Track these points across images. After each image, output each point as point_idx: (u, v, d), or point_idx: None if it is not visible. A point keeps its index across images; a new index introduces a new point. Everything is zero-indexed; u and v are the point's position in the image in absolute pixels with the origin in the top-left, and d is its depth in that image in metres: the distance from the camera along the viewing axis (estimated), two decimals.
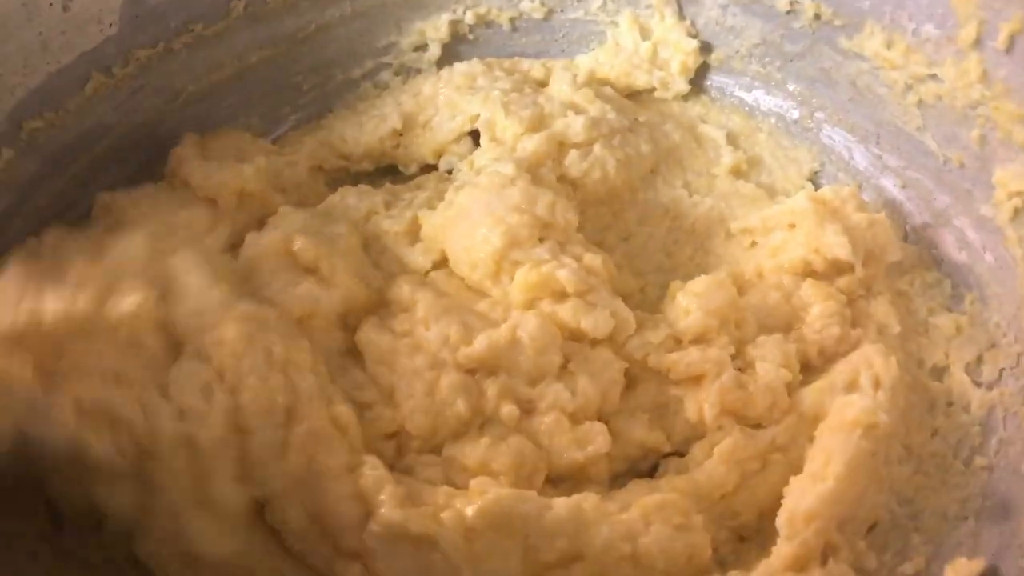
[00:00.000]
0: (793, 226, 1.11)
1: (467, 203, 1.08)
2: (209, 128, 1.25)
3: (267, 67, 1.30)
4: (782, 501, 0.91)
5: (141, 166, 1.20)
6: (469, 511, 0.87)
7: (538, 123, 1.18)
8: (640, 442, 1.00)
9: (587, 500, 0.90)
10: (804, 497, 0.89)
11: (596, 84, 1.29)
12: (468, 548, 0.87)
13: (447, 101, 1.26)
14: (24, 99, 1.05)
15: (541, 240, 1.05)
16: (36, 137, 1.08)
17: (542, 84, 1.30)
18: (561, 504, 0.89)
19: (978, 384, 1.03)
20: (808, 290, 1.07)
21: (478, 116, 1.22)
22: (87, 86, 1.12)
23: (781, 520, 0.89)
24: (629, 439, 1.00)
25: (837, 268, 1.08)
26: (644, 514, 0.91)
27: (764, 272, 1.10)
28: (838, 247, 1.04)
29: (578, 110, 1.21)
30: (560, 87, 1.27)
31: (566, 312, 1.00)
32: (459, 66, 1.30)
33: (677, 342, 1.03)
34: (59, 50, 1.08)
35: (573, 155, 1.17)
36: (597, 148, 1.18)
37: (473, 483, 0.91)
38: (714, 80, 1.34)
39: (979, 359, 1.05)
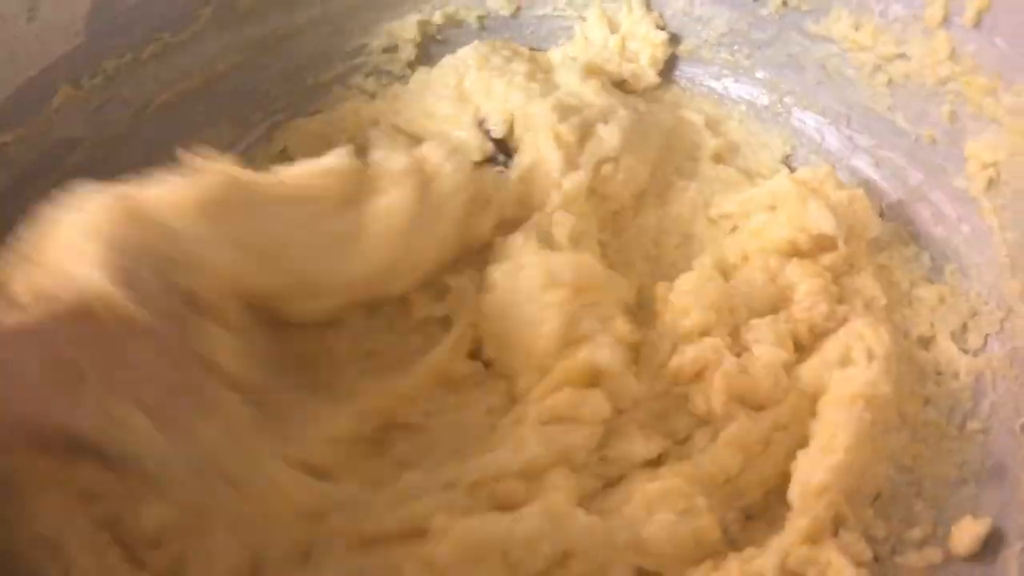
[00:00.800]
0: (774, 208, 1.13)
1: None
2: (180, 138, 1.23)
3: (236, 74, 1.28)
4: (792, 476, 0.92)
5: (112, 179, 1.17)
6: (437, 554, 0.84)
7: (585, 131, 1.16)
8: (641, 454, 0.98)
9: (555, 494, 0.89)
10: (815, 471, 0.90)
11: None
12: None
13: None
14: None
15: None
16: (6, 152, 1.05)
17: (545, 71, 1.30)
18: (530, 512, 0.87)
19: (965, 351, 1.05)
20: (793, 269, 1.09)
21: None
22: (55, 99, 1.09)
23: (793, 494, 0.91)
24: (627, 454, 0.98)
25: (821, 246, 1.10)
26: (647, 503, 0.90)
27: (749, 255, 1.12)
28: (823, 221, 1.06)
29: (595, 107, 1.20)
30: (567, 77, 1.26)
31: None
32: (465, 51, 1.29)
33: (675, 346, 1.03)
34: (26, 62, 1.05)
35: (607, 169, 1.16)
36: (626, 157, 1.16)
37: (435, 523, 0.87)
38: (684, 71, 1.35)
39: (964, 327, 1.07)
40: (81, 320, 0.77)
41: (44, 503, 0.82)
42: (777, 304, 1.08)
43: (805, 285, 1.07)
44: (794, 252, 1.10)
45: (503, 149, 1.22)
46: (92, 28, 1.10)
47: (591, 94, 1.23)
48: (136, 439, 0.77)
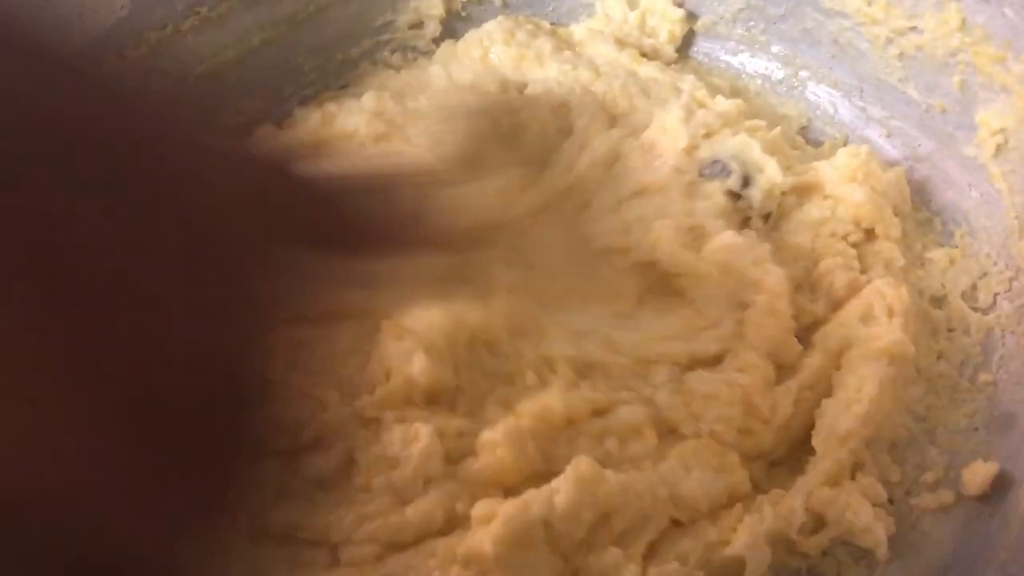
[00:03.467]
0: (827, 196, 1.15)
1: None
2: (216, 109, 1.27)
3: (268, 48, 1.32)
4: (817, 423, 0.97)
5: None
6: (487, 547, 0.85)
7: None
8: None
9: (581, 463, 0.90)
10: (840, 419, 0.95)
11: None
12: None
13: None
14: None
15: None
16: None
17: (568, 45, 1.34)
18: (563, 482, 0.89)
19: (975, 309, 1.10)
20: (819, 247, 1.13)
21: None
22: (101, 68, 1.13)
23: (818, 440, 0.96)
24: None
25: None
26: (683, 461, 0.94)
27: (810, 244, 1.14)
28: (871, 214, 1.11)
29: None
30: (601, 48, 1.31)
31: None
32: (489, 25, 1.34)
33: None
34: (76, 32, 1.10)
35: None
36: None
37: (475, 512, 0.89)
38: (701, 46, 1.40)
39: (974, 287, 1.12)
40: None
41: None
42: (801, 280, 1.12)
43: (827, 260, 1.11)
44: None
45: None
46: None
47: (630, 62, 1.28)
48: None
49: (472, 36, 1.36)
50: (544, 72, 1.29)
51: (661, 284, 1.06)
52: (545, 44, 1.32)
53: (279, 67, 1.34)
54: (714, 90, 1.30)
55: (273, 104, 1.34)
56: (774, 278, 1.03)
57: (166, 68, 1.21)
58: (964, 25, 1.12)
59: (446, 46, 1.38)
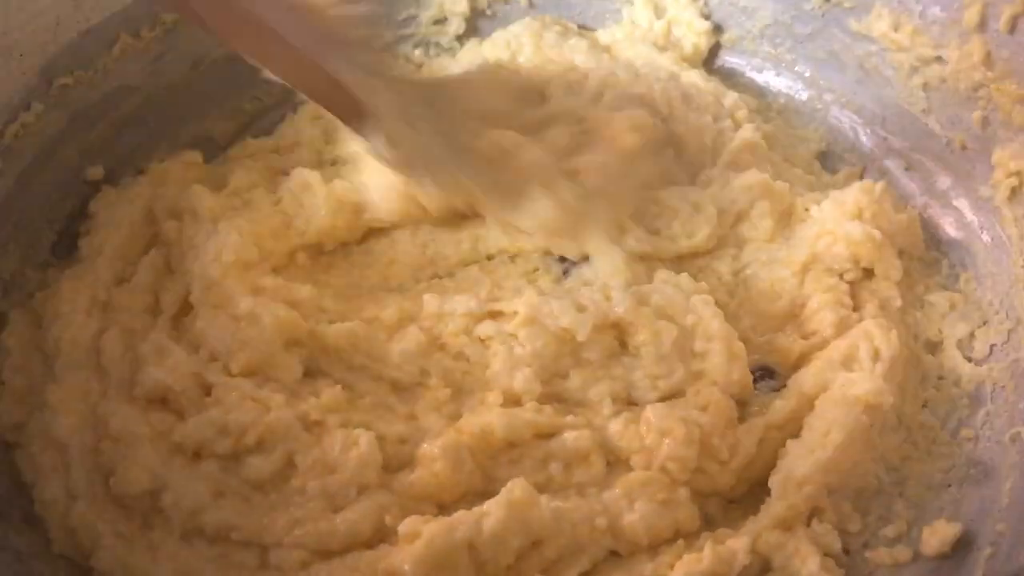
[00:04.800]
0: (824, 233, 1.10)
1: None
2: (232, 93, 1.30)
3: None
4: (778, 463, 0.94)
5: (163, 129, 1.25)
6: (406, 567, 0.84)
7: None
8: None
9: (517, 486, 0.88)
10: (801, 462, 0.92)
11: None
12: None
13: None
14: (55, 56, 1.10)
15: None
16: (65, 93, 1.13)
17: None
18: (494, 505, 0.87)
19: (969, 359, 1.05)
20: (809, 284, 1.08)
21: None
22: (115, 47, 1.17)
23: (775, 481, 0.93)
24: None
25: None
26: (627, 491, 0.92)
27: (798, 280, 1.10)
28: (876, 256, 1.07)
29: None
30: (638, 50, 1.28)
31: None
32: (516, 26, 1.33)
33: None
34: (90, 10, 1.13)
35: None
36: None
37: (401, 528, 0.87)
38: (726, 60, 1.36)
39: (971, 335, 1.06)
40: None
41: None
42: (785, 319, 1.08)
43: (817, 297, 1.07)
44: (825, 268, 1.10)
45: None
46: None
47: (670, 64, 1.26)
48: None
49: (499, 36, 1.34)
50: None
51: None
52: (579, 44, 1.30)
53: None
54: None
55: (289, 91, 1.35)
56: (718, 323, 1.00)
57: (181, 50, 1.23)
58: (988, 58, 1.07)
59: (471, 46, 1.37)
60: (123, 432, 0.93)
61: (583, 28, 1.38)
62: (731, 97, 1.23)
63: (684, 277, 1.05)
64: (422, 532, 0.85)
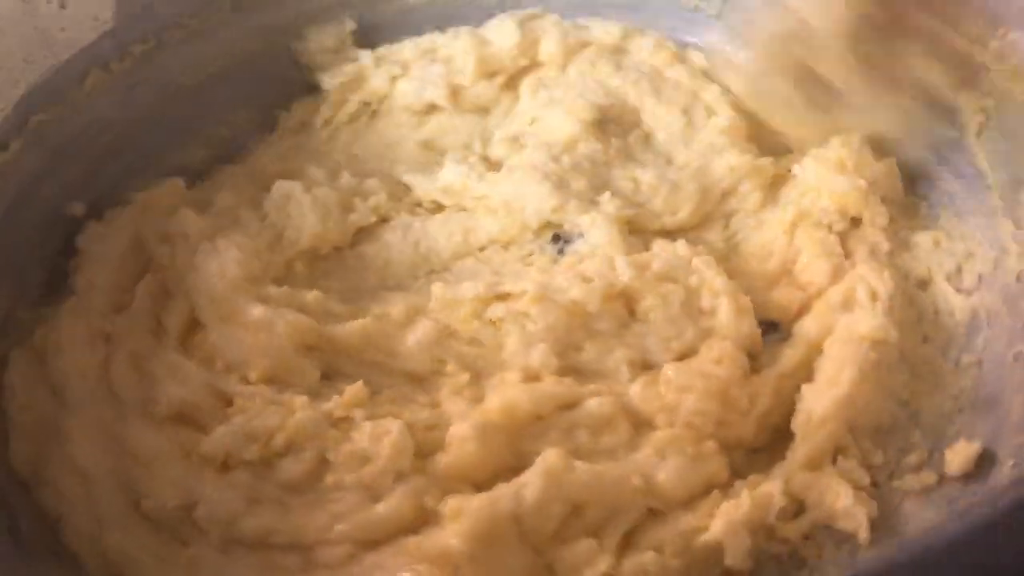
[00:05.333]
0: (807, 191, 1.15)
1: None
2: (205, 120, 1.30)
3: (255, 59, 1.34)
4: (797, 407, 0.96)
5: (141, 161, 1.25)
6: (455, 542, 0.85)
7: None
8: None
9: (551, 454, 0.90)
10: (819, 402, 0.94)
11: None
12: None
13: None
14: (28, 92, 1.10)
15: None
16: (42, 130, 1.12)
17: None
18: (532, 475, 0.88)
19: (960, 291, 1.08)
20: (799, 239, 1.12)
21: None
22: (87, 81, 1.16)
23: (797, 423, 0.95)
24: None
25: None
26: (657, 449, 0.94)
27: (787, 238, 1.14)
28: (862, 204, 1.11)
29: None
30: (646, 54, 1.30)
31: None
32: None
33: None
34: (59, 45, 1.12)
35: None
36: None
37: (444, 508, 0.88)
38: None
39: (959, 269, 1.10)
40: None
41: None
42: (779, 274, 1.12)
43: (808, 251, 1.11)
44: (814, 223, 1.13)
45: None
46: (121, 13, 1.17)
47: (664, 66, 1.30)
48: None
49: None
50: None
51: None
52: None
53: (265, 78, 1.36)
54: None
55: (260, 113, 1.36)
56: (721, 280, 1.03)
57: (152, 80, 1.23)
58: None
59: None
60: (147, 452, 0.92)
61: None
62: (713, 90, 1.26)
63: (680, 243, 1.08)
64: (465, 509, 0.86)
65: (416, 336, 1.00)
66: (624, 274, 1.01)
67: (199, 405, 0.95)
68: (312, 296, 1.05)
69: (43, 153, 1.13)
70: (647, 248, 1.09)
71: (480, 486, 0.91)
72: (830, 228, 1.13)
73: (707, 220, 1.15)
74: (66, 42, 1.13)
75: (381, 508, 0.89)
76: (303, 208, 1.15)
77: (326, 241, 1.14)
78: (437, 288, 1.03)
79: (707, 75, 1.29)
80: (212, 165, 1.30)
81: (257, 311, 0.99)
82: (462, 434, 0.91)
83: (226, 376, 0.99)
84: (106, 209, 1.18)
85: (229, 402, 0.97)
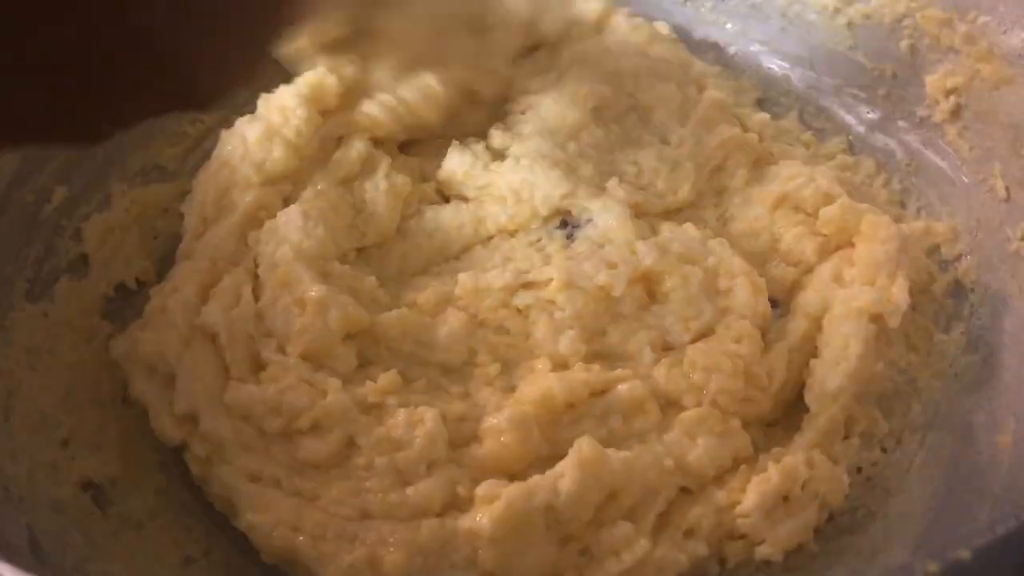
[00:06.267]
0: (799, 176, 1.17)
1: None
2: (171, 119, 1.26)
3: None
4: (807, 382, 1.00)
5: (112, 160, 1.20)
6: (486, 523, 0.86)
7: None
8: None
9: (584, 444, 0.90)
10: (830, 377, 0.98)
11: None
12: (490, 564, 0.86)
13: None
14: None
15: None
16: None
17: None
18: (567, 466, 0.89)
19: (941, 263, 1.14)
20: (780, 220, 1.15)
21: None
22: None
23: (810, 398, 0.99)
24: None
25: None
26: (687, 429, 0.96)
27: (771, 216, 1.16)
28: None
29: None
30: (625, 30, 1.29)
31: None
32: None
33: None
34: None
35: None
36: None
37: (479, 491, 0.89)
38: None
39: (937, 245, 1.16)
40: None
41: None
42: (766, 255, 1.15)
43: (792, 231, 1.14)
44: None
45: None
46: None
47: (644, 41, 1.29)
48: None
49: None
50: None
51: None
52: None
53: None
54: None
55: (230, 111, 1.30)
56: (738, 260, 1.06)
57: None
58: None
59: None
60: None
61: None
62: (697, 65, 1.28)
63: (689, 226, 1.10)
64: (500, 495, 0.87)
65: (447, 328, 1.00)
66: (648, 257, 1.02)
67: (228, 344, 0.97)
68: (371, 282, 1.04)
69: (15, 158, 1.07)
70: (653, 229, 1.11)
71: (514, 476, 0.92)
72: (808, 214, 1.17)
73: (700, 198, 1.18)
74: None
75: (412, 492, 0.89)
76: (379, 195, 1.13)
77: (390, 230, 1.13)
78: (464, 277, 1.03)
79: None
80: (183, 163, 1.26)
81: (315, 292, 0.98)
82: (499, 427, 0.91)
83: (265, 340, 0.98)
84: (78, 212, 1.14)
85: (263, 366, 0.96)
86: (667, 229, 1.10)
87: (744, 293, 1.04)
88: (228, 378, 0.97)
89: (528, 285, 1.02)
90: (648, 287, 1.04)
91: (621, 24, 1.30)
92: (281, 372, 0.95)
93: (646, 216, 1.13)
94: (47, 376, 1.01)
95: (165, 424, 0.96)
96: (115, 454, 0.99)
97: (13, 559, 0.75)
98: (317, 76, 1.12)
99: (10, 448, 0.93)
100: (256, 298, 1.01)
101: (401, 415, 0.92)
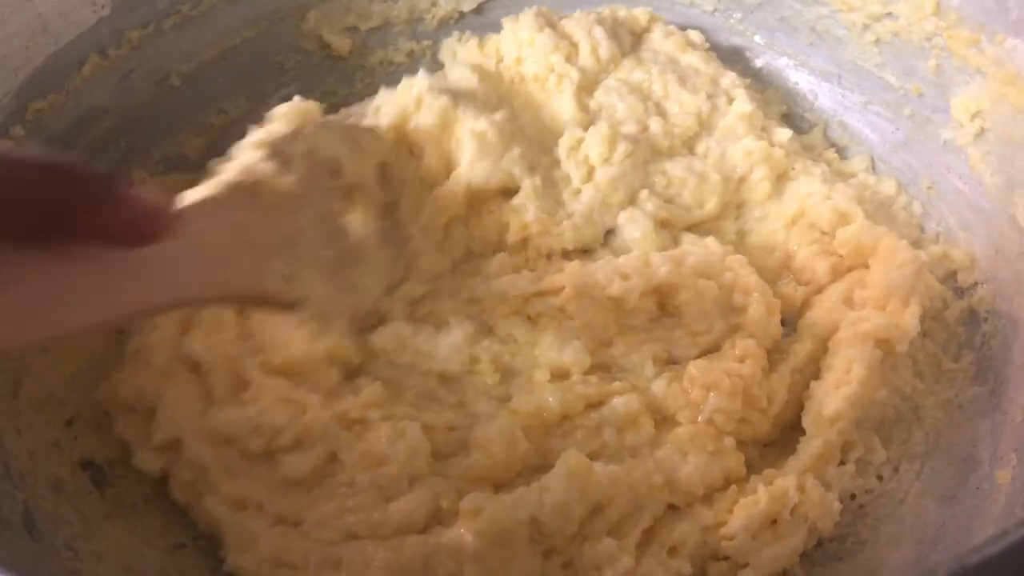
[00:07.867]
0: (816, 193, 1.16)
1: None
2: (201, 107, 1.28)
3: (250, 46, 1.32)
4: (806, 405, 0.99)
5: (135, 149, 1.22)
6: (469, 538, 0.86)
7: None
8: None
9: (571, 457, 0.90)
10: (830, 400, 0.97)
11: None
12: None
13: None
14: (28, 80, 1.06)
15: None
16: (41, 118, 1.09)
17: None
18: (553, 479, 0.89)
19: (957, 289, 1.12)
20: (795, 237, 1.15)
21: None
22: (84, 68, 1.13)
23: (808, 420, 0.98)
24: None
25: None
26: (678, 446, 0.95)
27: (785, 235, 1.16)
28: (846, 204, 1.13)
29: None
30: (662, 41, 1.29)
31: None
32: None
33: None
34: (57, 31, 1.09)
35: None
36: None
37: (464, 504, 0.89)
38: None
39: (954, 270, 1.13)
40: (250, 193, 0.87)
41: None
42: (778, 272, 1.14)
43: (805, 248, 1.13)
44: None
45: None
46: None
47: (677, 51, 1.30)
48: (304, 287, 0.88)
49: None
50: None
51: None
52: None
53: (261, 65, 1.34)
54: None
55: (255, 103, 1.33)
56: (755, 278, 1.05)
57: (148, 67, 1.21)
58: (938, 9, 1.14)
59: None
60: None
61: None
62: (729, 76, 1.27)
63: (711, 240, 1.09)
64: (484, 508, 0.86)
65: (451, 337, 1.00)
66: (662, 269, 1.02)
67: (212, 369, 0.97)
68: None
69: (42, 141, 1.10)
70: (675, 241, 1.11)
71: (501, 486, 0.92)
72: (823, 232, 1.15)
73: (723, 210, 1.17)
74: (65, 28, 1.10)
75: (394, 508, 0.89)
76: None
77: None
78: (479, 284, 1.03)
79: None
80: (207, 154, 1.28)
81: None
82: (487, 437, 0.92)
83: (251, 358, 0.98)
84: None
85: (245, 387, 0.97)
86: (689, 241, 1.09)
87: (757, 312, 1.03)
88: (210, 403, 0.97)
89: (540, 293, 1.02)
90: (661, 300, 1.03)
91: (655, 32, 1.30)
92: (262, 391, 0.95)
93: (671, 227, 1.12)
94: (56, 357, 1.04)
95: (145, 457, 0.96)
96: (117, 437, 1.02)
97: (5, 533, 0.77)
98: None
99: (15, 426, 0.96)
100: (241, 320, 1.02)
101: (383, 429, 0.93)
